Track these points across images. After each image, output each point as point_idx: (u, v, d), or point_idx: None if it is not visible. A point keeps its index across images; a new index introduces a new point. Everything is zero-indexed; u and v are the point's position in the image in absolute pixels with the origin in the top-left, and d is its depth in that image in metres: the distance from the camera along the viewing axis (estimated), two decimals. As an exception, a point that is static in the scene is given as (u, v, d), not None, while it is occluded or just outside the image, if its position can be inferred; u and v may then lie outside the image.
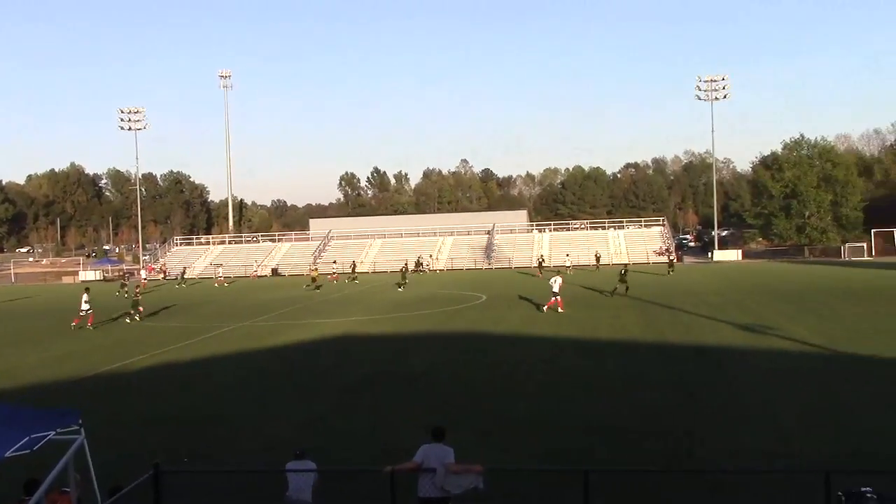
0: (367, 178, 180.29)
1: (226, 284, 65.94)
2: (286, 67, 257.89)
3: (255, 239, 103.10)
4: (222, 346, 28.00)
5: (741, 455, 12.90)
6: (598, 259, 71.67)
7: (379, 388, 19.57)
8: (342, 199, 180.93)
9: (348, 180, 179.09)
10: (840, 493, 9.31)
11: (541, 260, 68.61)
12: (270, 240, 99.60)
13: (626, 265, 50.15)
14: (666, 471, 12.03)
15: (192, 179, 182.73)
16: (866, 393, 17.22)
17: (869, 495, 9.28)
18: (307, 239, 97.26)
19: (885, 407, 15.84)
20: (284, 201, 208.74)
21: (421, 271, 74.07)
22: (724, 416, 15.49)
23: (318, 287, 54.55)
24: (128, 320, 36.55)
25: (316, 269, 61.71)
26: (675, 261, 65.59)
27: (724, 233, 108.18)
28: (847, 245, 79.80)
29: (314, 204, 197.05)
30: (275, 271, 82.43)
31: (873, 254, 78.19)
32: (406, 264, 64.16)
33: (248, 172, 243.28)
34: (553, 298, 34.94)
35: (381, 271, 77.84)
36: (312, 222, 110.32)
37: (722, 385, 18.49)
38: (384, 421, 16.09)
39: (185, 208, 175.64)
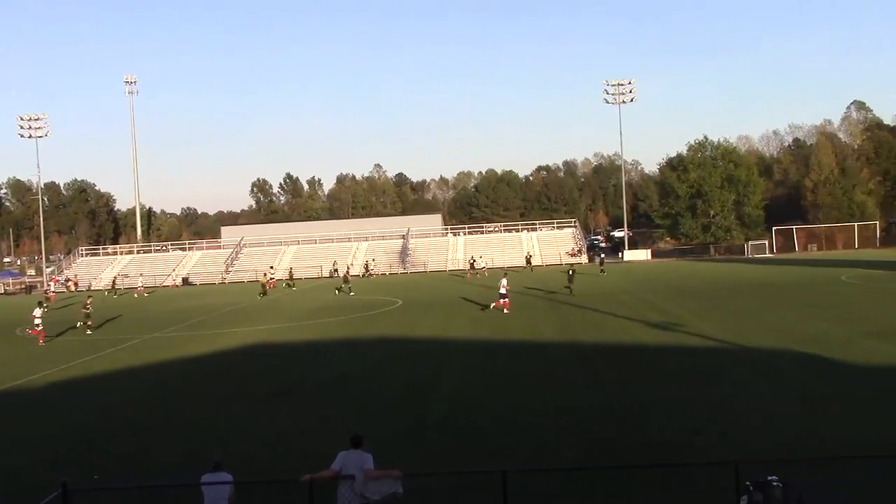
0: (280, 184, 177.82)
1: (146, 294, 64.58)
2: (195, 72, 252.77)
3: (164, 248, 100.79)
4: (135, 357, 27.26)
5: (654, 450, 13.22)
6: (529, 260, 72.87)
7: (295, 397, 19.37)
8: (254, 205, 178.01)
9: (260, 187, 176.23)
10: (748, 483, 9.65)
11: (472, 262, 69.47)
12: (181, 249, 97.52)
13: (572, 265, 51.28)
14: (581, 468, 12.22)
15: (97, 188, 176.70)
16: (772, 385, 17.86)
17: (775, 483, 9.66)
18: (219, 247, 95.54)
19: (790, 398, 16.46)
20: (195, 209, 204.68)
21: (369, 275, 73.85)
22: (636, 413, 15.84)
23: (264, 293, 54.15)
24: (88, 332, 35.58)
25: (265, 275, 61.31)
26: (605, 259, 67.08)
27: (633, 233, 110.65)
28: (750, 243, 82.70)
29: (226, 211, 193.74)
30: (186, 280, 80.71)
31: (774, 251, 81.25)
32: (348, 269, 63.42)
33: (156, 180, 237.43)
34: (501, 300, 35.33)
35: (296, 278, 76.97)
36: (224, 230, 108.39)
37: (634, 382, 18.90)
38: (301, 429, 15.93)
39: (90, 218, 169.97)
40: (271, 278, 65.16)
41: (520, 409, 16.71)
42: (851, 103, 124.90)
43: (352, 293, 51.34)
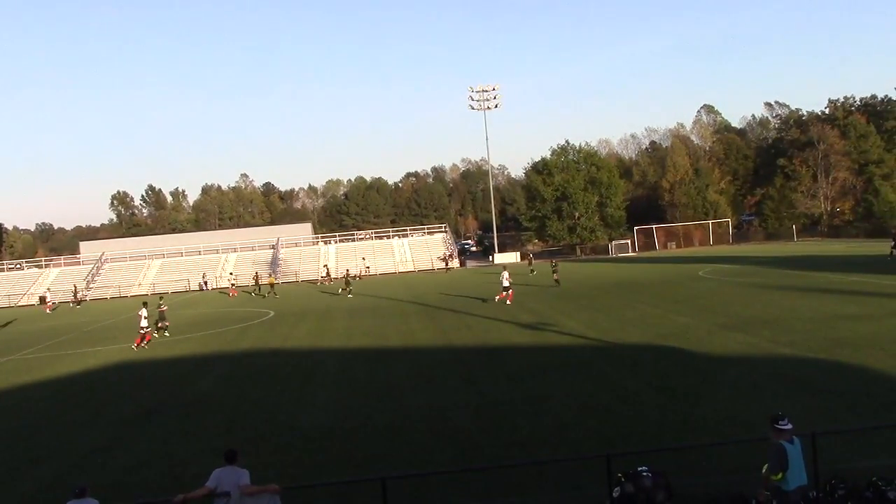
0: (142, 196, 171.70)
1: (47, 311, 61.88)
2: (44, 78, 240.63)
3: (18, 266, 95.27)
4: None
5: (527, 446, 13.51)
6: (446, 262, 77.27)
7: (164, 415, 18.73)
8: (115, 219, 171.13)
9: (121, 199, 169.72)
10: (619, 475, 10.03)
11: (335, 270, 72.12)
12: (37, 266, 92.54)
13: (555, 261, 53.78)
14: (458, 471, 12.38)
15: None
16: (635, 378, 18.56)
17: (645, 474, 10.07)
18: (78, 263, 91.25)
19: (654, 389, 17.15)
20: (51, 224, 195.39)
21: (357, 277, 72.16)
22: (508, 412, 16.14)
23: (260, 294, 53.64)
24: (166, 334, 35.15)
25: (273, 277, 62.14)
26: (533, 260, 68.13)
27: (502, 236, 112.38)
28: (614, 242, 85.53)
29: (84, 226, 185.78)
30: (42, 299, 76.70)
31: (636, 249, 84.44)
32: (348, 271, 61.53)
33: (6, 194, 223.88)
34: (503, 292, 37.65)
35: (161, 293, 74.64)
36: (83, 245, 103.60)
37: (505, 382, 19.25)
38: (172, 449, 15.44)
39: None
40: (233, 285, 64.99)
41: (393, 413, 16.78)
42: (702, 107, 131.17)
43: (350, 295, 50.85)
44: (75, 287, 72.51)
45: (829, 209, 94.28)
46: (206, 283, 75.07)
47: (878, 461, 11.09)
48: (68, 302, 70.16)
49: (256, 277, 65.21)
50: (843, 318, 25.18)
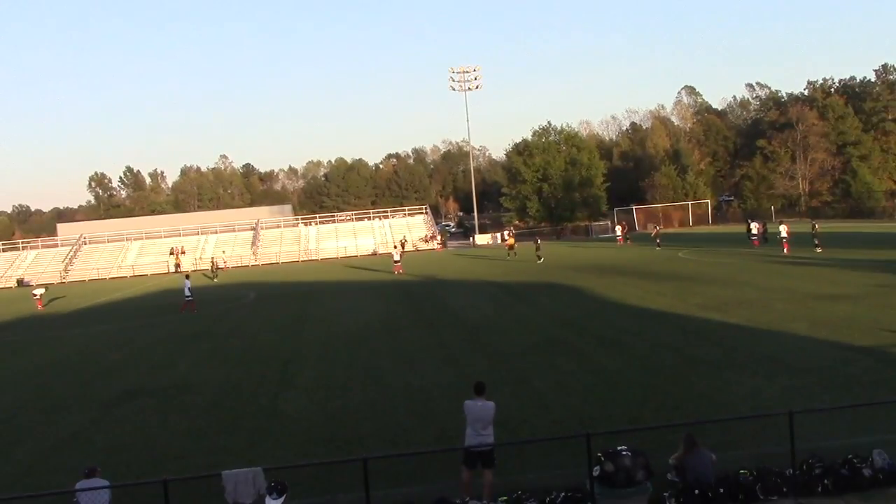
0: (120, 177, 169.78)
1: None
2: (20, 60, 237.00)
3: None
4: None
5: (509, 426, 13.59)
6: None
7: (143, 399, 18.65)
8: (93, 201, 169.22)
9: (98, 181, 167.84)
10: (599, 454, 10.14)
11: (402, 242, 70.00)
12: (14, 248, 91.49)
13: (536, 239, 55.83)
14: (440, 451, 12.47)
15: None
16: (616, 358, 18.73)
17: (624, 453, 10.19)
18: (56, 245, 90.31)
19: (635, 370, 17.31)
20: (27, 206, 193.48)
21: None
22: (490, 392, 16.19)
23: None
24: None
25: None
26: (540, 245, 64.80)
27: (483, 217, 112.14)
28: (594, 223, 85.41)
29: (62, 207, 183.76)
30: (20, 282, 76.01)
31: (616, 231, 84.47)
32: (403, 241, 59.77)
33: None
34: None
35: (141, 274, 74.31)
36: (61, 227, 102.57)
37: (483, 362, 19.36)
38: (150, 432, 15.44)
39: None
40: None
41: (374, 395, 16.85)
42: (682, 88, 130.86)
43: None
44: (213, 260, 69.82)
45: (807, 190, 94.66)
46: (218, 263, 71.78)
47: (854, 439, 11.27)
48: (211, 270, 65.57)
49: None
50: (820, 297, 25.47)
